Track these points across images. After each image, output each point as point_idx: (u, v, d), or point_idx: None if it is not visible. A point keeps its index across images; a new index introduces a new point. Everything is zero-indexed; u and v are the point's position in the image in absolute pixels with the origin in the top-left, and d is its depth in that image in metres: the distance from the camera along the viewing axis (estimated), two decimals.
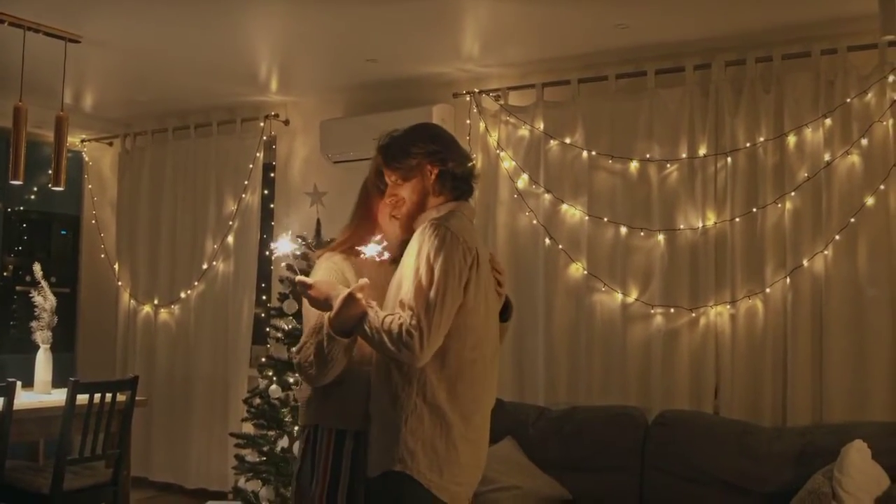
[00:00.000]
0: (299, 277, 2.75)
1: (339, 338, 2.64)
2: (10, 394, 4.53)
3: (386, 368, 2.67)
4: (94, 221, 7.65)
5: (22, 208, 7.53)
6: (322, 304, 2.68)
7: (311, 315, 2.81)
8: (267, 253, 6.70)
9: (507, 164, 5.55)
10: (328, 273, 2.87)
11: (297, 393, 5.40)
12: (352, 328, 2.63)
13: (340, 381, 2.76)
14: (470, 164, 2.87)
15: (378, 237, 2.79)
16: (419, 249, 2.62)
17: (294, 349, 2.83)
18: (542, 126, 5.43)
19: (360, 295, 2.61)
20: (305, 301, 2.85)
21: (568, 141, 5.34)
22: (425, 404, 2.62)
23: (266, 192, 6.76)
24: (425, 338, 2.53)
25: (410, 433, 2.61)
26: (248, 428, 5.75)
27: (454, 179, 2.81)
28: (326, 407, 2.81)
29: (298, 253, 3.03)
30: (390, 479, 2.62)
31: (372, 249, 2.71)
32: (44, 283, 5.46)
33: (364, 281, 2.64)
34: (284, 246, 2.91)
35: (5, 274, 7.43)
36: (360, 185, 3.02)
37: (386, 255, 2.78)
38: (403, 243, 2.83)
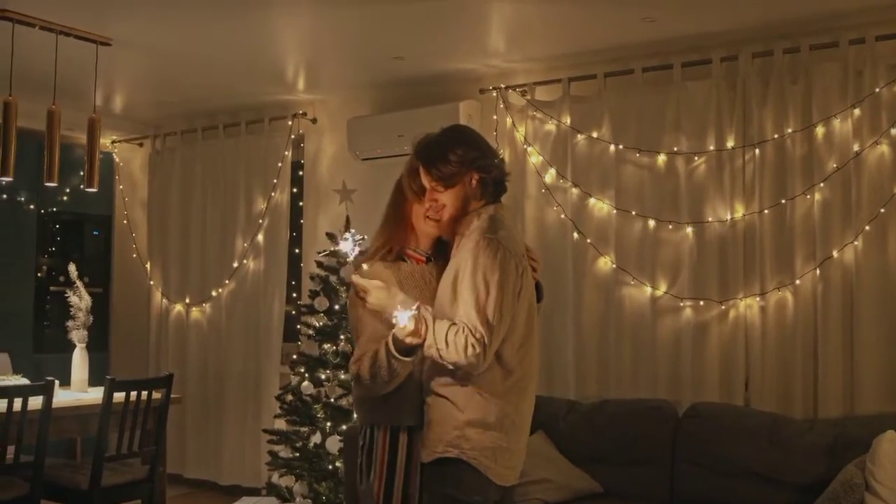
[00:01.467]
0: (357, 279, 2.87)
1: (404, 359, 2.78)
2: (49, 392, 4.61)
3: (441, 365, 2.79)
4: (125, 222, 7.74)
5: (55, 209, 7.63)
6: (380, 317, 2.83)
7: (366, 325, 2.94)
8: (297, 251, 6.76)
9: (535, 158, 5.56)
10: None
11: (328, 390, 5.45)
12: (416, 347, 2.78)
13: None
14: (504, 167, 3.00)
15: (415, 306, 2.80)
16: (475, 264, 2.74)
17: (352, 360, 2.96)
18: (568, 120, 5.43)
19: (420, 313, 2.74)
20: (356, 312, 2.96)
21: (595, 135, 5.35)
22: (482, 398, 2.78)
23: (295, 190, 6.81)
24: (488, 350, 2.71)
25: (468, 422, 2.77)
26: (280, 424, 5.81)
27: (494, 185, 2.93)
28: (381, 407, 2.95)
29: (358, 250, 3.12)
30: (446, 464, 2.79)
31: (403, 318, 2.75)
32: (79, 283, 5.53)
33: (416, 307, 2.74)
34: (348, 246, 3.01)
35: (40, 275, 7.53)
36: (392, 186, 3.08)
37: (406, 320, 2.78)
38: (439, 242, 3.01)
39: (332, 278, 5.58)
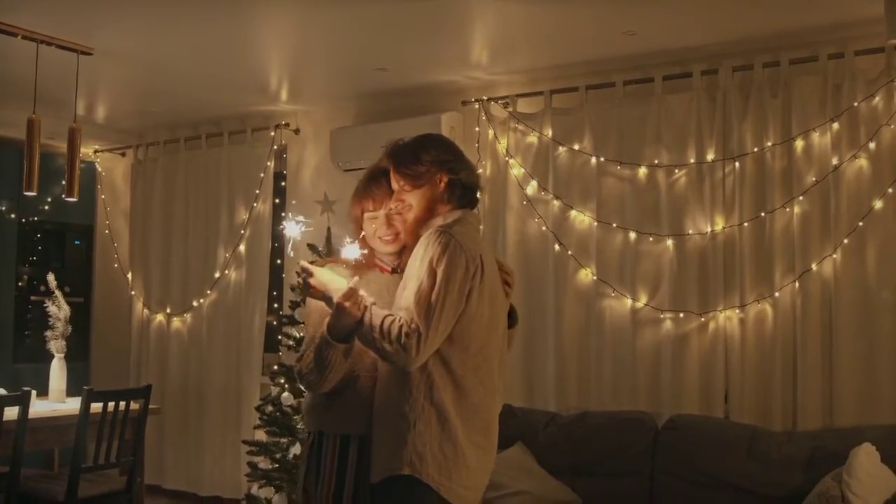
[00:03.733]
0: (303, 263, 2.76)
1: (336, 343, 2.67)
2: (25, 402, 4.58)
3: (391, 375, 2.70)
4: (107, 231, 7.72)
5: (36, 219, 7.59)
6: (321, 295, 2.71)
7: (311, 324, 2.86)
8: (279, 261, 6.75)
9: (516, 171, 5.58)
10: None
11: (284, 400, 5.44)
12: (350, 332, 2.66)
13: (343, 388, 2.80)
14: (477, 175, 2.94)
15: (356, 243, 2.80)
16: (423, 254, 2.66)
17: (295, 358, 2.87)
18: (550, 133, 5.45)
19: (360, 293, 2.64)
20: (307, 307, 2.89)
21: (576, 147, 5.37)
22: (432, 408, 2.64)
23: (277, 200, 6.80)
24: (422, 341, 2.56)
25: (418, 436, 2.63)
26: (260, 435, 5.78)
27: (463, 188, 2.85)
28: (330, 413, 2.84)
29: (305, 230, 3.01)
30: (398, 482, 2.64)
31: (352, 252, 2.72)
32: (58, 293, 5.51)
33: (356, 279, 2.67)
34: (292, 229, 2.91)
35: (20, 284, 7.49)
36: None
37: (355, 254, 2.77)
38: (404, 253, 2.90)
39: None
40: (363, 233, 2.93)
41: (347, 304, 2.62)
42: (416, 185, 2.81)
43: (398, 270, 2.92)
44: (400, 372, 2.66)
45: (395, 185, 2.86)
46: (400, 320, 2.58)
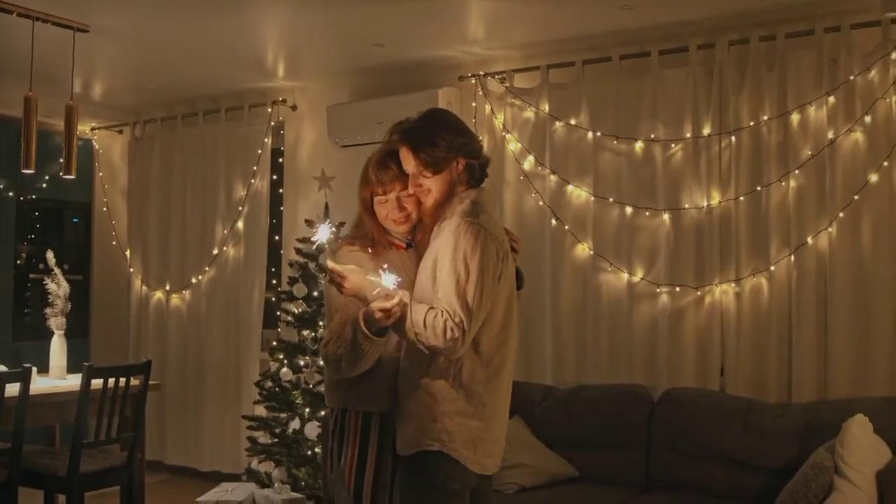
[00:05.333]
0: (332, 265, 2.77)
1: (375, 338, 2.72)
2: (26, 379, 4.60)
3: (418, 353, 2.76)
4: (105, 209, 7.72)
5: (34, 197, 7.60)
6: (354, 295, 2.75)
7: (339, 306, 2.88)
8: (277, 238, 6.76)
9: (513, 145, 5.58)
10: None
11: (306, 376, 5.47)
12: (388, 327, 2.72)
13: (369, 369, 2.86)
14: (484, 150, 2.99)
15: (387, 269, 2.73)
16: (455, 247, 2.71)
17: (322, 342, 2.91)
18: (547, 108, 5.46)
19: (393, 291, 2.66)
20: (329, 293, 2.93)
21: (573, 122, 5.37)
22: (461, 387, 2.76)
23: (275, 177, 6.81)
24: (467, 335, 2.67)
25: (447, 416, 2.75)
26: (260, 410, 5.83)
27: (481, 170, 2.92)
28: (352, 391, 2.92)
29: (336, 238, 3.04)
30: (428, 457, 2.77)
31: (388, 280, 2.68)
32: (57, 271, 5.52)
33: (388, 291, 2.66)
34: (324, 233, 2.91)
35: (19, 262, 7.50)
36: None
37: (392, 282, 2.70)
38: (419, 228, 2.97)
39: (311, 265, 5.60)
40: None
41: (388, 322, 2.67)
42: (438, 170, 2.84)
43: (412, 245, 3.00)
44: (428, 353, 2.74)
45: (410, 169, 2.87)
46: (443, 314, 2.66)
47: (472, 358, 2.77)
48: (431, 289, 2.76)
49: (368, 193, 2.97)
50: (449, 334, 2.64)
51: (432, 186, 2.85)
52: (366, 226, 2.99)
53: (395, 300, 2.65)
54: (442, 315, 2.65)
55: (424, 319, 2.66)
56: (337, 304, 2.89)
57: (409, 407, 2.81)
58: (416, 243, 3.00)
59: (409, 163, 2.87)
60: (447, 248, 2.74)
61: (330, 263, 2.81)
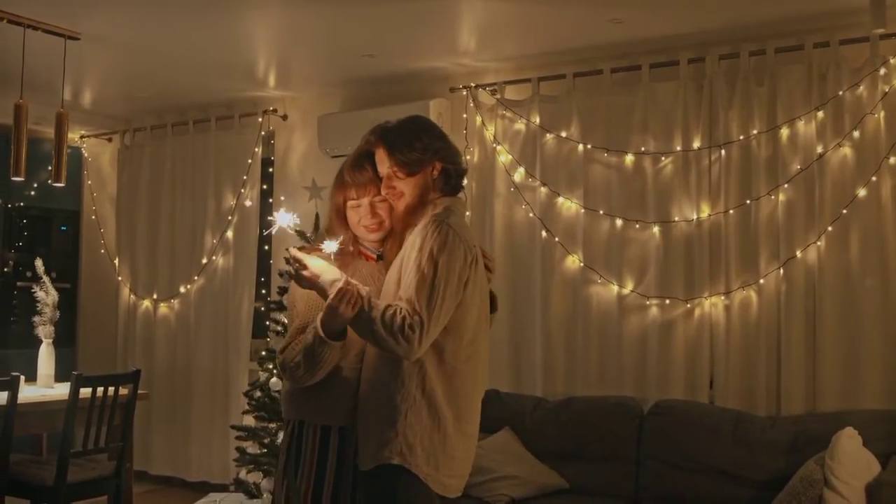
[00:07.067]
0: (293, 251, 2.67)
1: (332, 341, 2.61)
2: (13, 388, 4.58)
3: (381, 364, 2.66)
4: (94, 217, 7.70)
5: (22, 204, 7.57)
6: (312, 285, 2.64)
7: (298, 313, 2.79)
8: (265, 232, 6.74)
9: (504, 157, 5.60)
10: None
11: (272, 385, 5.44)
12: (345, 326, 2.61)
13: (324, 379, 2.71)
14: (463, 160, 2.90)
15: (338, 239, 2.72)
16: (422, 244, 2.61)
17: (278, 348, 2.78)
18: (537, 120, 5.47)
19: (352, 283, 2.57)
20: (292, 295, 2.84)
21: (564, 134, 5.39)
22: (424, 399, 2.63)
23: (265, 186, 6.80)
24: (425, 332, 2.53)
25: (409, 427, 2.61)
26: (248, 420, 5.80)
27: (454, 177, 2.82)
28: (311, 403, 2.77)
29: (295, 223, 2.87)
30: (386, 471, 2.62)
31: (330, 246, 2.64)
32: (45, 279, 5.50)
33: (345, 278, 2.59)
34: (283, 218, 2.77)
35: (6, 270, 7.47)
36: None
37: (334, 248, 2.67)
38: (385, 241, 2.86)
39: None
40: (339, 222, 2.86)
41: (342, 307, 2.55)
42: (412, 172, 2.75)
43: (382, 257, 2.88)
44: (391, 361, 2.63)
45: (384, 171, 2.78)
46: (402, 311, 2.53)
47: (436, 367, 2.63)
48: (395, 292, 2.64)
49: (342, 198, 2.86)
50: (406, 331, 2.50)
51: (405, 189, 2.75)
52: (336, 234, 2.84)
53: (343, 280, 2.55)
54: (400, 312, 2.52)
55: (382, 315, 2.53)
56: (297, 311, 2.80)
57: (370, 417, 2.67)
58: (386, 254, 2.86)
59: (383, 164, 2.78)
60: (413, 246, 2.63)
61: (291, 250, 2.69)
